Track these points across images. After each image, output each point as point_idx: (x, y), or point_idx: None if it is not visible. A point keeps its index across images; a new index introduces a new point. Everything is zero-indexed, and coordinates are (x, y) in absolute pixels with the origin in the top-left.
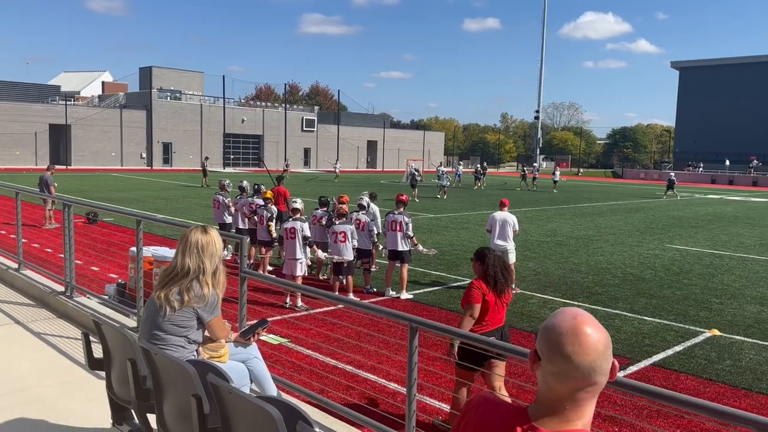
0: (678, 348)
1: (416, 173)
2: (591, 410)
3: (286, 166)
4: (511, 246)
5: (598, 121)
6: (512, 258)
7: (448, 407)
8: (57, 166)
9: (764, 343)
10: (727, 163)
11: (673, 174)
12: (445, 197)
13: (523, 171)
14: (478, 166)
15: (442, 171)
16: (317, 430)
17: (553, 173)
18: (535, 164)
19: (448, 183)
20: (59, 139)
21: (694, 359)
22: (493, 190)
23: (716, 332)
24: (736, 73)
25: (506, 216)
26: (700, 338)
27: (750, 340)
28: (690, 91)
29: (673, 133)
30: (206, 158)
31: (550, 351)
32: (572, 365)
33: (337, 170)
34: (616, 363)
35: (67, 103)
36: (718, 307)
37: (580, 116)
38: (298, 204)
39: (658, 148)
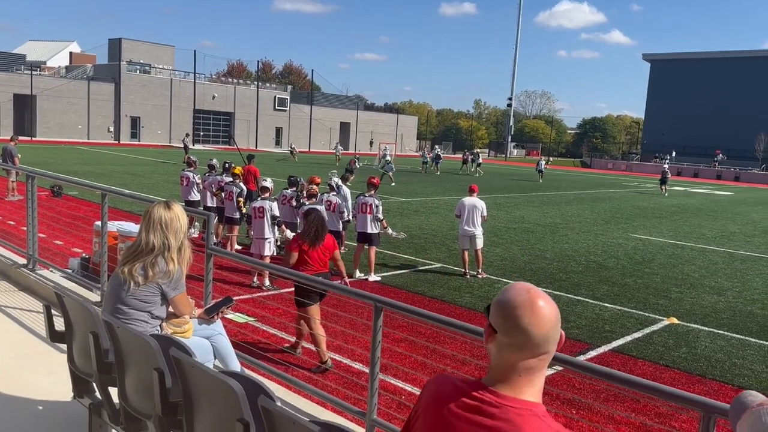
0: (637, 335)
1: (386, 157)
2: (542, 380)
3: (292, 148)
4: (479, 231)
5: (570, 111)
6: (479, 243)
7: (411, 386)
8: (21, 138)
9: (719, 331)
10: (720, 156)
11: (666, 166)
12: (392, 184)
13: (464, 156)
14: (466, 151)
15: (388, 156)
16: (279, 404)
17: (538, 162)
18: (476, 150)
19: (393, 170)
20: (24, 109)
21: (652, 346)
22: (459, 176)
23: (674, 320)
24: (706, 67)
25: (475, 202)
26: (659, 326)
27: (706, 328)
28: (660, 83)
29: (642, 125)
30: (186, 135)
31: (507, 324)
32: (528, 336)
33: (339, 153)
34: (563, 334)
35: (33, 72)
36: (677, 296)
37: (552, 105)
38: (268, 183)
39: (627, 140)
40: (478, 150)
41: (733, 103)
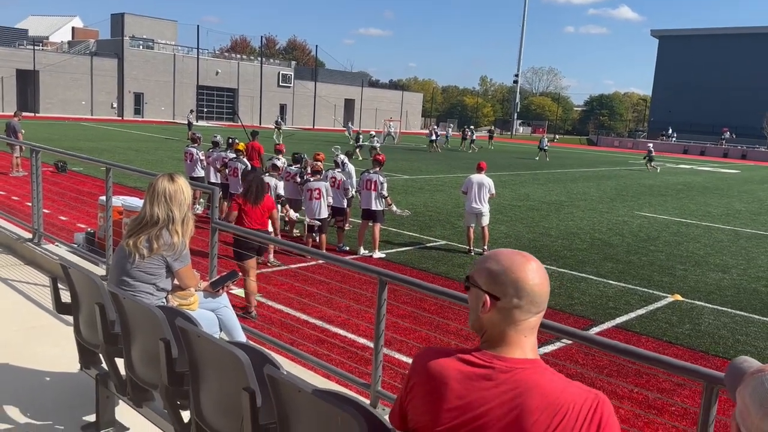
0: (641, 311)
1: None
2: (536, 338)
3: (278, 122)
4: (485, 209)
5: (577, 88)
6: (486, 221)
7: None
8: (24, 113)
9: (723, 308)
10: (728, 134)
11: (651, 145)
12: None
13: (464, 133)
14: (465, 128)
15: (392, 132)
16: (285, 371)
17: (541, 140)
18: (471, 126)
19: (379, 144)
20: (27, 85)
21: (656, 322)
22: (467, 154)
23: (678, 297)
24: (715, 44)
25: (483, 179)
26: (663, 303)
27: (710, 305)
28: (668, 60)
29: (649, 102)
30: (191, 111)
31: (515, 288)
32: (535, 296)
33: (350, 131)
34: None
35: (35, 48)
36: (681, 274)
37: (559, 82)
38: (279, 162)
39: (634, 117)
40: (473, 127)
41: (741, 81)
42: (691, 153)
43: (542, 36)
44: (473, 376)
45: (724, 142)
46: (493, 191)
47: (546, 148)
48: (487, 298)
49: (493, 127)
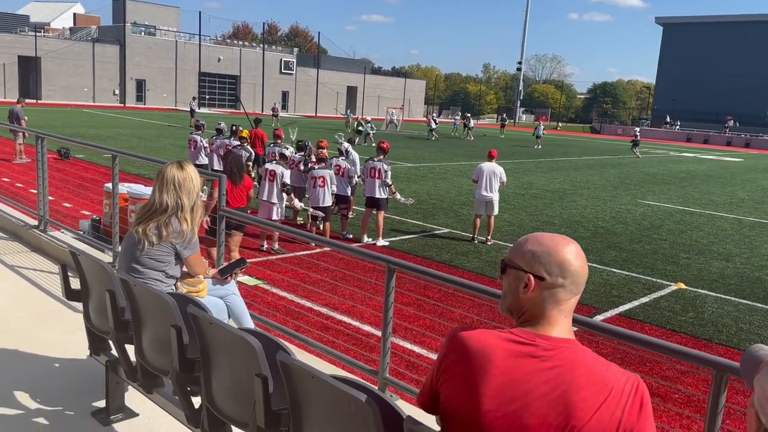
0: (644, 299)
1: (367, 124)
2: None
3: (275, 108)
4: (496, 197)
5: (580, 75)
6: (495, 210)
7: (419, 348)
8: (27, 100)
9: (727, 297)
10: (731, 122)
11: (637, 130)
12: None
13: (463, 120)
14: (460, 115)
15: (395, 120)
16: (297, 357)
17: (536, 128)
18: (467, 114)
19: (373, 131)
20: (29, 71)
21: (659, 311)
22: (469, 141)
23: (682, 286)
24: (720, 31)
25: (494, 167)
26: (666, 291)
27: (714, 294)
28: (672, 48)
29: (652, 90)
30: (193, 98)
31: (561, 268)
32: (578, 276)
33: (350, 119)
34: None
35: (37, 34)
36: (685, 262)
37: (562, 69)
38: (288, 151)
39: (637, 105)
40: (469, 114)
41: (745, 69)
42: (695, 141)
43: (546, 23)
44: (518, 353)
45: (727, 130)
46: (504, 180)
47: (541, 135)
48: (531, 278)
49: (504, 116)
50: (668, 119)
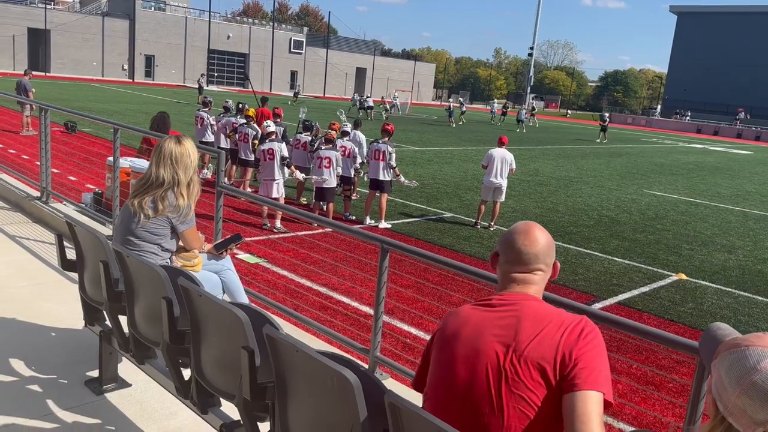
0: (644, 289)
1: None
2: (540, 289)
3: (297, 91)
4: (505, 184)
5: (592, 63)
6: (503, 197)
7: (416, 330)
8: (35, 73)
9: (727, 289)
10: (742, 114)
11: (607, 115)
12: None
13: (458, 104)
14: (496, 102)
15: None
16: (283, 332)
17: (519, 111)
18: (460, 99)
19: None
20: (38, 44)
21: (659, 300)
22: (476, 126)
23: (683, 276)
24: (735, 22)
25: (505, 154)
26: (667, 281)
27: (714, 285)
28: (686, 37)
29: (664, 79)
30: (201, 75)
31: (506, 246)
32: (522, 253)
33: (356, 102)
34: (558, 264)
35: (47, 6)
36: (687, 253)
37: (574, 56)
38: (272, 127)
39: (649, 94)
40: (462, 99)
41: (759, 60)
42: (705, 132)
43: (559, 8)
44: (481, 310)
45: (738, 122)
46: (514, 166)
47: (524, 119)
48: (494, 255)
49: (507, 103)
50: (677, 110)
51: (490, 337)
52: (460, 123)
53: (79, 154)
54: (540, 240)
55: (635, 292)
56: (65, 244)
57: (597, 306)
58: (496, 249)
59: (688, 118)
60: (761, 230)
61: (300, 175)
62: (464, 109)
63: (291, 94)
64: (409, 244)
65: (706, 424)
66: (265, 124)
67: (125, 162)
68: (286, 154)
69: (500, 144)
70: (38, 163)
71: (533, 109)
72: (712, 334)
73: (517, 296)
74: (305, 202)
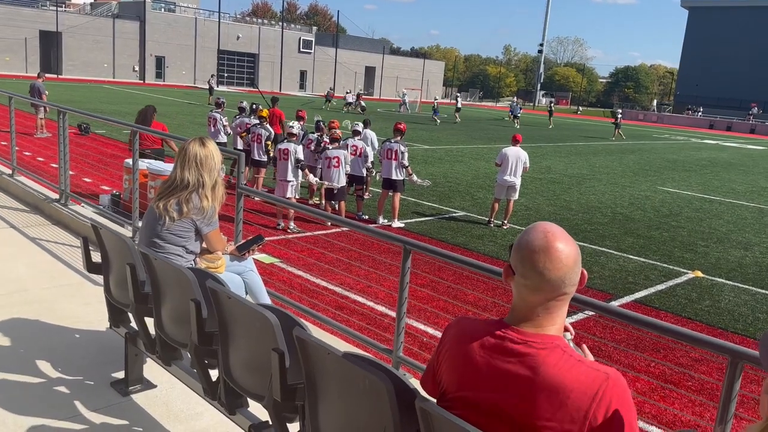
0: (660, 287)
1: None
2: (562, 316)
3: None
4: (518, 182)
5: (602, 59)
6: (516, 195)
7: (433, 328)
8: (47, 75)
9: (744, 286)
10: (756, 110)
11: (620, 111)
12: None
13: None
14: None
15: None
16: (314, 333)
17: (512, 106)
18: (457, 95)
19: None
20: (50, 46)
21: (675, 298)
22: (486, 124)
23: (699, 274)
24: (747, 16)
25: (519, 152)
26: (683, 279)
27: (731, 282)
28: (697, 32)
29: (675, 75)
30: (212, 76)
31: (524, 267)
32: (544, 279)
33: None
34: (585, 273)
35: (58, 9)
36: (703, 250)
37: (584, 52)
38: (295, 129)
39: (660, 90)
40: (458, 95)
41: None
42: (717, 128)
43: (569, 5)
44: (491, 346)
45: (752, 117)
46: (528, 165)
47: (519, 114)
48: (507, 268)
49: (515, 99)
50: (700, 108)
51: (500, 402)
52: (456, 120)
53: (93, 155)
54: (565, 259)
55: (652, 290)
56: (89, 246)
57: (613, 304)
58: (511, 261)
59: (700, 113)
60: None
61: (314, 179)
62: (459, 105)
63: (302, 93)
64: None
65: (758, 424)
66: (289, 124)
67: (143, 164)
68: (301, 156)
69: (514, 142)
70: (54, 165)
71: (551, 109)
72: None
73: (534, 340)
74: (317, 202)
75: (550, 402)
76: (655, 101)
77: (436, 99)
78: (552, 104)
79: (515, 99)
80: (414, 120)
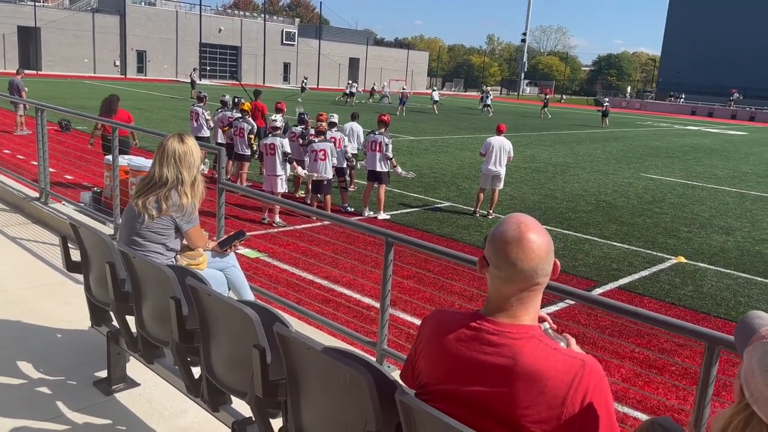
0: (644, 273)
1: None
2: (536, 306)
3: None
4: (503, 172)
5: (585, 47)
6: (501, 184)
7: (419, 320)
8: (26, 71)
9: (726, 270)
10: (736, 95)
11: (607, 100)
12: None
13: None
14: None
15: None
16: (294, 329)
17: (483, 95)
18: (434, 87)
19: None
20: (28, 42)
21: (659, 284)
22: (466, 115)
23: (682, 259)
24: (727, 2)
25: (503, 142)
26: (666, 264)
27: (713, 267)
28: (679, 19)
29: (658, 62)
30: (194, 69)
31: (498, 258)
32: (517, 269)
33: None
34: (558, 263)
35: (36, 4)
36: (686, 236)
37: (567, 41)
38: (278, 122)
39: (642, 77)
40: (435, 87)
41: (752, 41)
42: (699, 114)
43: None
44: (466, 337)
45: (732, 103)
46: (512, 154)
47: (490, 103)
48: (482, 259)
49: (484, 88)
50: (682, 94)
51: (478, 394)
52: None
53: (74, 152)
54: (537, 250)
55: (635, 276)
56: (69, 245)
57: (597, 291)
58: (485, 252)
59: (682, 100)
60: (759, 211)
61: (302, 172)
62: (437, 98)
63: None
64: (410, 234)
65: (729, 408)
66: (272, 117)
67: (123, 160)
68: (288, 149)
69: (498, 132)
70: (34, 162)
71: (546, 99)
72: (750, 322)
73: (510, 330)
74: (302, 196)
75: (528, 391)
76: (629, 88)
77: (404, 89)
78: (547, 96)
79: (484, 87)
80: (391, 111)
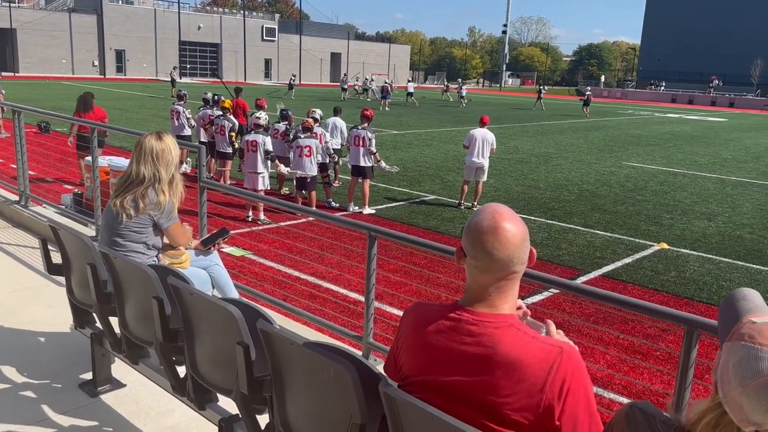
0: (627, 260)
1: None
2: (514, 295)
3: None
4: (486, 163)
5: (566, 38)
6: (484, 176)
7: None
8: (3, 73)
9: (708, 255)
10: (716, 82)
11: (589, 89)
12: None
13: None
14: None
15: (373, 86)
16: (278, 325)
17: (459, 87)
18: (408, 79)
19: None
20: (5, 44)
21: (642, 270)
22: (451, 108)
23: (665, 246)
24: None
25: (486, 133)
26: (649, 251)
27: (695, 253)
28: (658, 7)
29: (638, 51)
30: (174, 68)
31: (474, 248)
32: (493, 259)
33: (356, 86)
34: (534, 251)
35: (11, 5)
36: (668, 222)
37: (548, 32)
38: (261, 120)
39: (623, 66)
40: (410, 80)
41: (730, 28)
42: (680, 102)
43: None
44: (446, 328)
45: (712, 90)
46: (495, 146)
47: (465, 95)
48: (459, 250)
49: (460, 80)
50: (663, 82)
51: (459, 383)
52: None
53: (54, 154)
54: (512, 239)
55: (618, 263)
56: (50, 247)
57: (581, 279)
58: (462, 244)
59: (662, 88)
60: (739, 196)
61: (285, 169)
62: (411, 90)
63: (268, 83)
64: (394, 229)
65: (704, 402)
66: (256, 114)
67: (104, 161)
68: (270, 147)
69: (482, 124)
70: (13, 165)
71: (540, 92)
72: (735, 304)
73: (489, 320)
74: (288, 192)
75: (508, 379)
76: (603, 77)
77: (386, 83)
78: (542, 88)
79: (460, 80)
80: (374, 105)
